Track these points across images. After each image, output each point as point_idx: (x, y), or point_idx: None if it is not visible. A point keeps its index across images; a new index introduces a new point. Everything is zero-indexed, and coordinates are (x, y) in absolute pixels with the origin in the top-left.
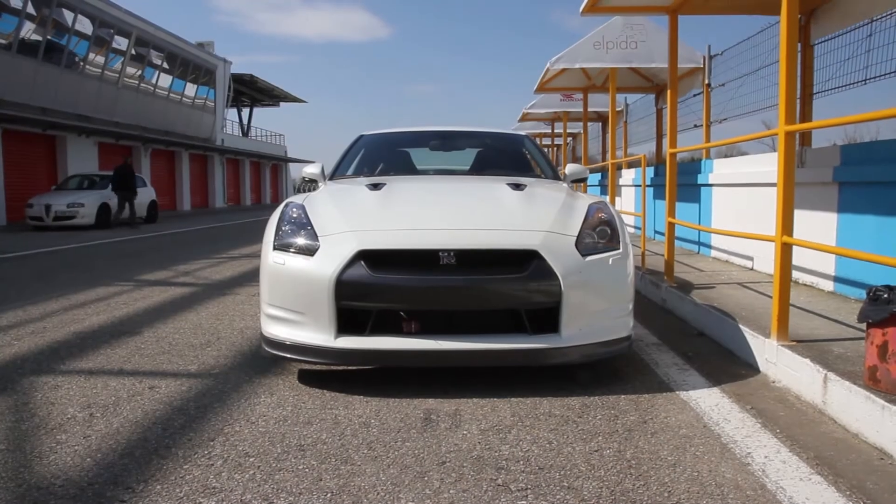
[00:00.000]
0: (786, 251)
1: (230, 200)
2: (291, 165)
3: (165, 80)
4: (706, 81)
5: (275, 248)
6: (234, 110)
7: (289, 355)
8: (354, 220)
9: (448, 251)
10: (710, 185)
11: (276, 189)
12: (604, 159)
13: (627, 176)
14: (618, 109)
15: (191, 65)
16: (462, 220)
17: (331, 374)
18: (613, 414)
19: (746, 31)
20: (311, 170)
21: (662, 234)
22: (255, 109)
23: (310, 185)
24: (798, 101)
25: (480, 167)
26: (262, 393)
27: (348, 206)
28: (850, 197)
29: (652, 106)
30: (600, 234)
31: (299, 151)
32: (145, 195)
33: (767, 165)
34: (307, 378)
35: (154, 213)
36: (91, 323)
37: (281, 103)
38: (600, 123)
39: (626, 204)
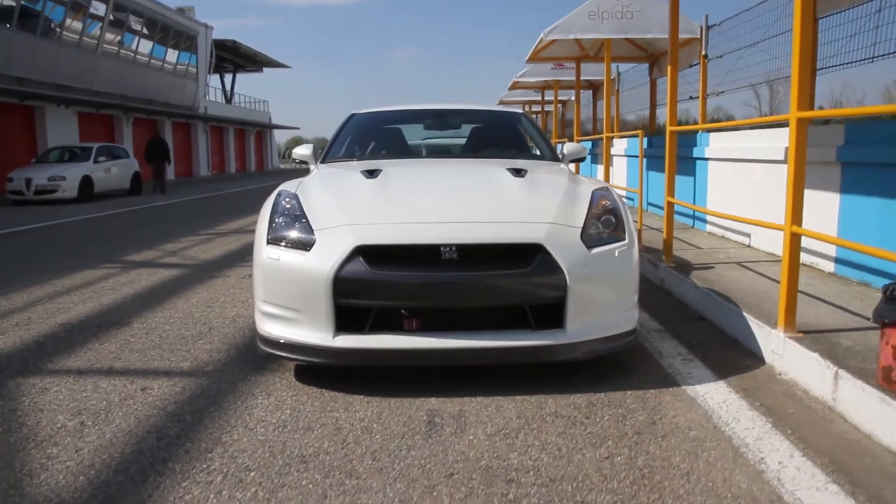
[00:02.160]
0: (794, 241)
1: (214, 168)
2: (276, 132)
3: (146, 48)
4: (703, 53)
5: (268, 243)
6: (217, 77)
7: (286, 354)
8: (351, 211)
9: (450, 246)
10: (707, 160)
11: (260, 156)
12: (594, 127)
13: (619, 145)
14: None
15: (171, 31)
16: (463, 211)
17: (329, 371)
18: (621, 413)
19: (744, 2)
20: (301, 151)
21: (655, 205)
22: (239, 75)
23: (298, 165)
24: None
25: (477, 148)
26: (259, 394)
27: (344, 196)
28: (853, 178)
29: (645, 75)
30: (605, 223)
31: (284, 117)
32: (129, 167)
33: (765, 141)
34: (304, 375)
35: (137, 184)
36: (78, 312)
37: (264, 69)
38: (591, 91)
39: (619, 174)
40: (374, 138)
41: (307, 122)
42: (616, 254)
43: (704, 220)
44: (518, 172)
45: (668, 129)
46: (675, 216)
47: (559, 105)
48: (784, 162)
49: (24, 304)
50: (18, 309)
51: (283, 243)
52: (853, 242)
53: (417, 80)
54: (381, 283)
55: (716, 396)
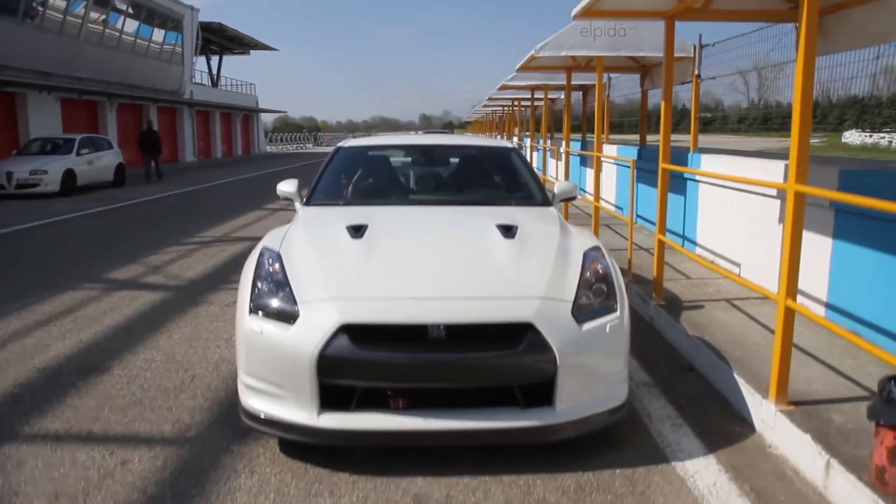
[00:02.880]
0: (788, 316)
1: (200, 154)
2: (262, 115)
3: (130, 32)
4: (696, 72)
5: (251, 312)
6: (203, 59)
7: (269, 430)
8: (335, 281)
9: (438, 325)
10: (697, 181)
11: (247, 140)
12: (584, 128)
13: (609, 151)
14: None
15: (156, 14)
16: (452, 284)
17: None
18: (610, 501)
19: (740, 27)
20: (285, 188)
21: (645, 219)
22: (225, 58)
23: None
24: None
25: (466, 189)
26: (242, 470)
27: (329, 261)
28: (846, 225)
29: (636, 84)
30: (596, 292)
31: (271, 99)
32: (112, 158)
33: (758, 171)
34: (289, 448)
35: (121, 176)
36: (57, 352)
37: (251, 51)
38: (582, 92)
39: (608, 186)
40: (360, 177)
41: (294, 103)
42: (607, 329)
43: (694, 242)
44: (508, 230)
45: (661, 166)
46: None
47: (550, 102)
48: (777, 197)
49: (1, 338)
50: None
51: (265, 311)
52: (860, 341)
53: (407, 60)
54: (366, 363)
55: (706, 477)
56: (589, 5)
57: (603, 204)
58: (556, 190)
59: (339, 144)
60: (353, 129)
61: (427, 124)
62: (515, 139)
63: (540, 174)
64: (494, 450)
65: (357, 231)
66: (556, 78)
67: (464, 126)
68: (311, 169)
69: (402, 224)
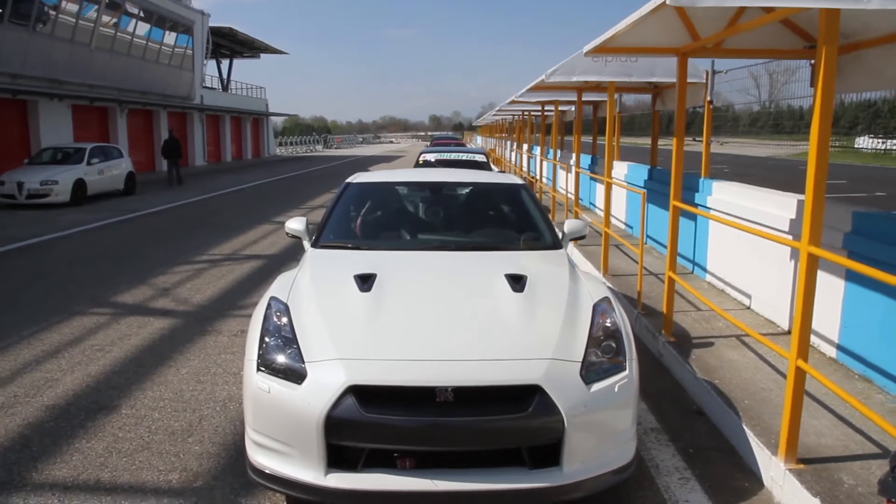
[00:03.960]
0: (799, 375)
1: (210, 158)
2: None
3: (142, 39)
4: (708, 98)
5: (258, 369)
6: (214, 62)
7: (276, 487)
8: (343, 340)
9: (445, 388)
10: (708, 208)
11: (257, 143)
12: (594, 146)
13: (619, 170)
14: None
15: (167, 20)
16: (459, 346)
17: None
18: None
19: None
20: (294, 226)
21: (655, 240)
22: (236, 61)
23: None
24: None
25: (475, 229)
26: None
27: (336, 318)
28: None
29: (647, 104)
30: (605, 349)
31: (281, 100)
32: (122, 167)
33: (770, 206)
34: (295, 501)
35: (132, 184)
36: (65, 387)
37: (261, 55)
38: (592, 107)
39: (618, 203)
40: (369, 217)
41: (304, 103)
42: (616, 388)
43: (704, 269)
44: (517, 281)
45: (672, 203)
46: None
47: (560, 114)
48: (788, 233)
49: (10, 371)
50: (4, 380)
51: (273, 371)
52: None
53: (417, 59)
54: (373, 426)
55: None
56: (602, 43)
57: (613, 221)
58: (565, 229)
59: (349, 180)
60: (363, 129)
61: (437, 125)
62: (525, 146)
63: (549, 186)
64: None
65: (365, 282)
66: (568, 94)
67: (474, 129)
68: (321, 176)
69: (411, 276)
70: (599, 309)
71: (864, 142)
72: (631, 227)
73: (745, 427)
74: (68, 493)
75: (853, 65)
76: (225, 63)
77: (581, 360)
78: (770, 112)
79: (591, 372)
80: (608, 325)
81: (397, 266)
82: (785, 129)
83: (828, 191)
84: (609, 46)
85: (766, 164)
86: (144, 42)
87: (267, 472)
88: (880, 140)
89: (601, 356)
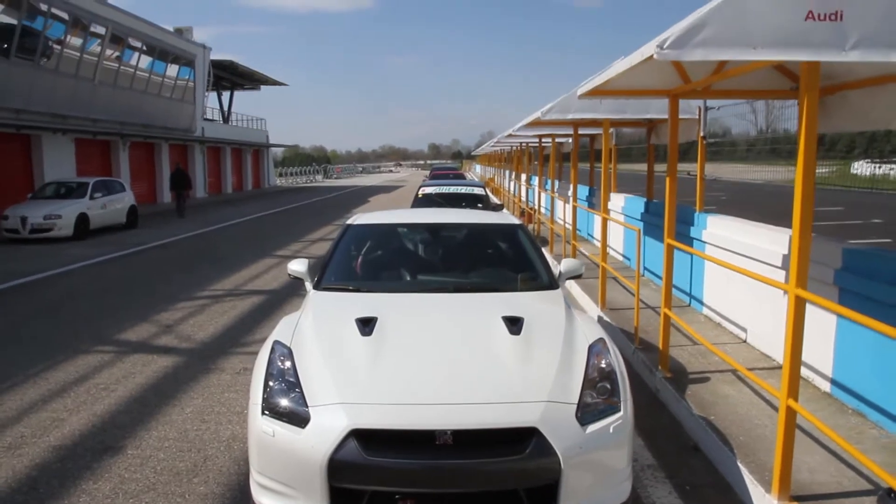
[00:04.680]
0: (790, 415)
1: (211, 189)
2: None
3: (144, 74)
4: (701, 133)
5: (263, 412)
6: (215, 95)
7: None
8: (345, 385)
9: (444, 431)
10: (703, 242)
11: (257, 174)
12: (591, 177)
13: (616, 201)
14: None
15: (170, 55)
16: (458, 390)
17: None
18: None
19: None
20: (296, 267)
21: (653, 272)
22: (236, 93)
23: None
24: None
25: (474, 270)
26: None
27: (338, 362)
28: (850, 305)
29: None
30: (600, 390)
31: (282, 130)
32: (125, 201)
33: (764, 241)
34: None
35: (134, 218)
36: (72, 428)
37: (261, 86)
38: (589, 139)
39: (615, 235)
40: (369, 259)
41: (304, 133)
42: (611, 430)
43: (701, 302)
44: (514, 324)
45: (666, 241)
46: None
47: (557, 145)
48: (781, 268)
49: (17, 411)
50: (12, 420)
51: (277, 414)
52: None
53: (415, 87)
54: (375, 469)
55: None
56: (596, 87)
57: (611, 252)
58: (562, 268)
59: (349, 222)
60: (362, 158)
61: (436, 153)
62: (524, 177)
63: (548, 218)
64: None
65: (366, 325)
66: (564, 128)
67: (472, 158)
68: (322, 208)
69: (411, 319)
70: (595, 350)
71: (860, 167)
72: (629, 259)
73: (739, 464)
74: None
75: (839, 105)
76: (226, 95)
77: (577, 401)
78: (767, 138)
79: (586, 413)
80: (603, 366)
81: (397, 309)
82: (782, 155)
83: (824, 218)
84: (602, 89)
85: (763, 190)
86: (147, 75)
87: None
88: (877, 164)
89: (596, 397)
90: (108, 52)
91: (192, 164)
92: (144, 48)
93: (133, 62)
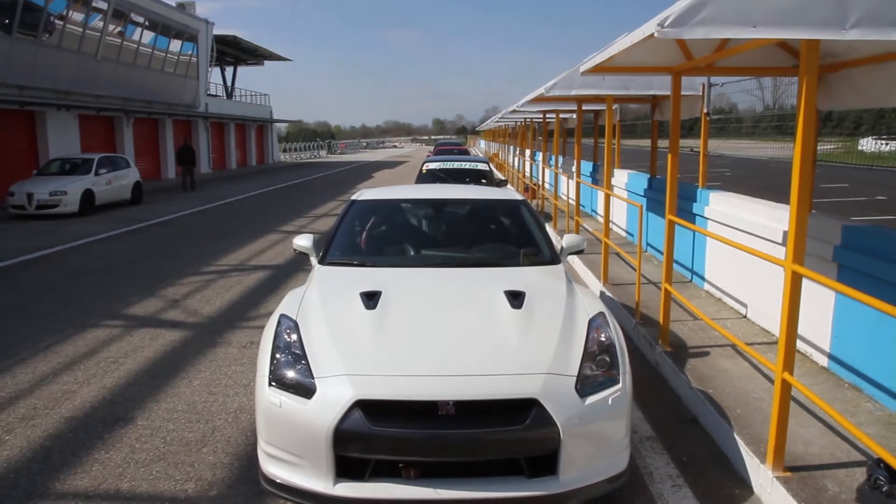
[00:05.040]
0: (785, 388)
1: (215, 165)
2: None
3: (147, 50)
4: (705, 110)
5: (270, 384)
6: (218, 70)
7: (287, 497)
8: (350, 357)
9: (447, 402)
10: (706, 218)
11: (261, 150)
12: (595, 153)
13: (619, 177)
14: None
15: (172, 30)
16: (461, 361)
17: None
18: None
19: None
20: (301, 242)
21: (655, 248)
22: (239, 68)
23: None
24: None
25: (477, 245)
26: None
27: (343, 335)
28: (848, 281)
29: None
30: (600, 363)
31: (285, 105)
32: (130, 177)
33: (765, 217)
34: None
35: (139, 194)
36: (83, 400)
37: (265, 62)
38: (593, 114)
39: (618, 211)
40: (373, 234)
41: (308, 108)
42: (610, 401)
43: (703, 278)
44: (516, 298)
45: (668, 217)
46: (675, 266)
47: (561, 121)
48: (782, 244)
49: (30, 383)
50: (24, 392)
51: (283, 386)
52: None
53: (420, 63)
54: (379, 438)
55: None
56: (598, 63)
57: (614, 228)
58: (564, 244)
59: (353, 198)
60: (366, 133)
61: (440, 129)
62: (528, 153)
63: (552, 193)
64: None
65: (371, 299)
66: (568, 104)
67: (477, 133)
68: (326, 183)
69: (414, 294)
70: (595, 324)
71: (867, 143)
72: (631, 235)
73: (736, 436)
74: (89, 503)
75: (841, 82)
76: (229, 70)
77: (576, 374)
78: (774, 114)
79: (585, 385)
80: (603, 339)
81: (401, 283)
82: (788, 131)
83: (828, 195)
84: (605, 66)
85: (767, 167)
86: (150, 51)
87: (279, 481)
88: (883, 141)
89: (596, 370)
90: (111, 27)
91: (195, 140)
92: (147, 23)
93: (136, 38)
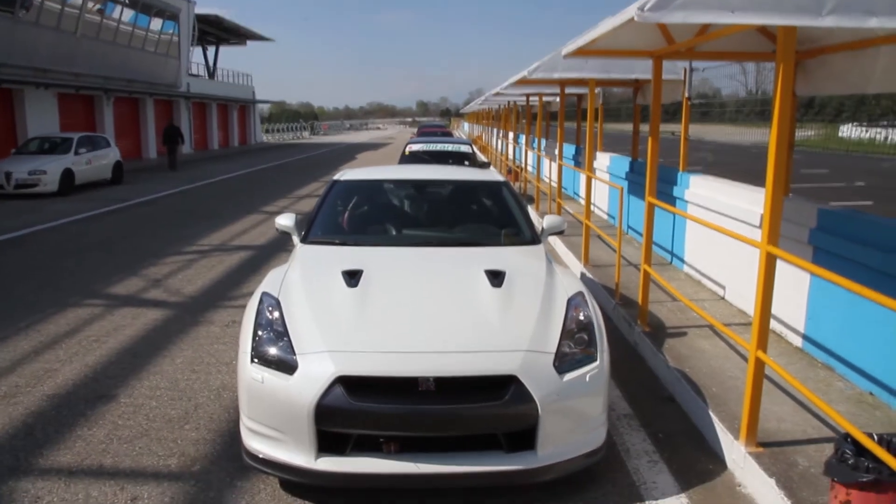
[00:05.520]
0: (759, 366)
1: (197, 146)
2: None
3: (127, 28)
4: (686, 94)
5: (252, 360)
6: (200, 50)
7: (270, 471)
8: (331, 334)
9: (427, 378)
10: (686, 202)
11: (243, 131)
12: (578, 136)
13: (602, 161)
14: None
15: (153, 8)
16: (441, 338)
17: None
18: None
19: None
20: (283, 221)
21: (636, 230)
22: (222, 48)
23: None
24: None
25: (458, 225)
26: None
27: (325, 312)
28: (823, 262)
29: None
30: (578, 341)
31: (268, 87)
32: (110, 156)
33: (743, 201)
34: (287, 485)
35: (119, 173)
36: (65, 378)
37: (248, 42)
38: (576, 98)
39: (600, 194)
40: (355, 214)
41: (291, 89)
42: (587, 378)
43: (682, 260)
44: (496, 277)
45: (647, 199)
46: (655, 248)
47: (545, 104)
48: (759, 227)
49: (11, 362)
50: (5, 370)
51: (265, 362)
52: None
53: (404, 45)
54: (360, 413)
55: None
56: (580, 47)
57: (596, 211)
58: (544, 224)
59: (336, 178)
60: (350, 115)
61: (424, 111)
62: (511, 135)
63: (534, 176)
64: (480, 490)
65: (352, 277)
66: (551, 87)
67: (461, 116)
68: (308, 165)
69: (395, 272)
70: (573, 303)
71: (847, 130)
72: (613, 218)
73: (711, 413)
74: (73, 478)
75: (819, 68)
76: (211, 50)
77: (555, 351)
78: (757, 99)
79: (563, 363)
80: (581, 318)
81: (383, 262)
82: (770, 117)
83: (808, 180)
84: (587, 49)
85: (749, 152)
86: (130, 29)
87: (261, 456)
88: (864, 128)
89: (574, 347)
90: (90, 4)
91: (177, 120)
92: (127, 1)
93: (116, 15)
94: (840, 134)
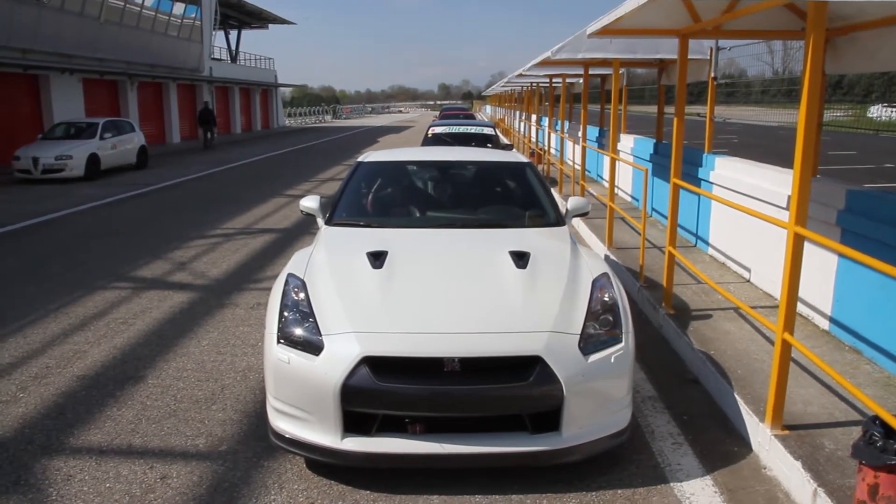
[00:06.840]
0: (785, 348)
1: (220, 130)
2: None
3: (150, 13)
4: (712, 74)
5: (278, 341)
6: (222, 34)
7: (296, 451)
8: (357, 314)
9: (452, 359)
10: (711, 183)
11: (266, 114)
12: (601, 119)
13: (626, 142)
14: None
15: None
16: (466, 319)
17: None
18: None
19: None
20: (308, 203)
21: (660, 213)
22: (244, 32)
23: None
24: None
25: (482, 206)
26: (272, 486)
27: (350, 293)
28: (852, 245)
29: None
30: (603, 322)
31: (290, 70)
32: (135, 141)
33: (769, 182)
34: (314, 465)
35: (144, 158)
36: (94, 359)
37: (269, 25)
38: (600, 79)
39: (624, 176)
40: (379, 195)
41: (313, 73)
42: (612, 359)
43: (707, 242)
44: (520, 258)
45: (672, 181)
46: (680, 231)
47: (568, 85)
48: (786, 208)
49: (41, 343)
50: (35, 351)
51: (292, 343)
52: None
53: (426, 28)
54: (386, 394)
55: (702, 499)
56: (605, 26)
57: (620, 193)
58: (568, 206)
59: (360, 159)
60: (371, 98)
61: (446, 94)
62: (534, 117)
63: (557, 158)
64: (504, 471)
65: (377, 259)
66: (575, 67)
67: (483, 99)
68: (331, 148)
69: (421, 253)
70: (598, 284)
71: (877, 111)
72: (637, 200)
73: (736, 395)
74: (104, 457)
75: (849, 46)
76: (233, 34)
77: (580, 332)
78: (784, 79)
79: (588, 344)
80: (606, 299)
81: (407, 243)
82: (797, 97)
83: (836, 161)
84: (612, 28)
85: (776, 133)
86: (153, 14)
87: (287, 436)
88: (894, 109)
89: (599, 329)
90: (113, 3)
91: (200, 105)
92: None
93: (139, 0)
94: (869, 114)
